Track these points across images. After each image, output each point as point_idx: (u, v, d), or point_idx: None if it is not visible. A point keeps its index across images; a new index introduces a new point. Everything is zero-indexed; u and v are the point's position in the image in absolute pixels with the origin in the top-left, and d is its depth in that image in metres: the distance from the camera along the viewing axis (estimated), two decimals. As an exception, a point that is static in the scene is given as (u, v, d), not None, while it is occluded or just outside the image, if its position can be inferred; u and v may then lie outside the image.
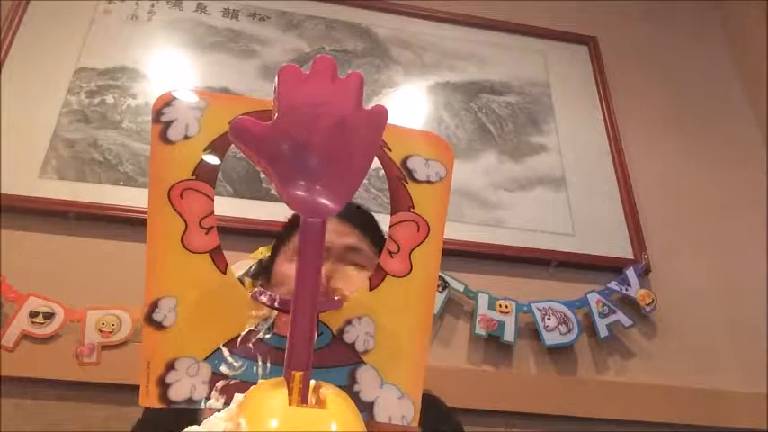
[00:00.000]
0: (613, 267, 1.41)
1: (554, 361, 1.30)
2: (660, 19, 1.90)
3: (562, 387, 1.27)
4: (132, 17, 1.50)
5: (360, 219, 0.73)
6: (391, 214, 0.46)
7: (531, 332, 1.30)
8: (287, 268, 0.69)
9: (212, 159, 0.42)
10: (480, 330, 1.25)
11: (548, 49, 1.75)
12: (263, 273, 0.81)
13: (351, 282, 0.66)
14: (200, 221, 0.41)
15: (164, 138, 0.41)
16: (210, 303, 0.41)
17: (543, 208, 1.47)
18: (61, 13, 1.45)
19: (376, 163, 0.40)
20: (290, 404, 0.30)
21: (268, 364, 0.40)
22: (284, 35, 1.58)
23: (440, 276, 1.25)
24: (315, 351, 0.35)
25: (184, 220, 0.40)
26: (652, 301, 1.35)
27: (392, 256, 0.44)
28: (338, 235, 0.69)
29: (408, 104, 1.57)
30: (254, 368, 0.40)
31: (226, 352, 0.40)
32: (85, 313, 1.11)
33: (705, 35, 1.91)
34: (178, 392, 0.39)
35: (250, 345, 0.41)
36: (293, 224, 0.71)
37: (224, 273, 0.41)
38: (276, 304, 0.40)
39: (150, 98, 1.37)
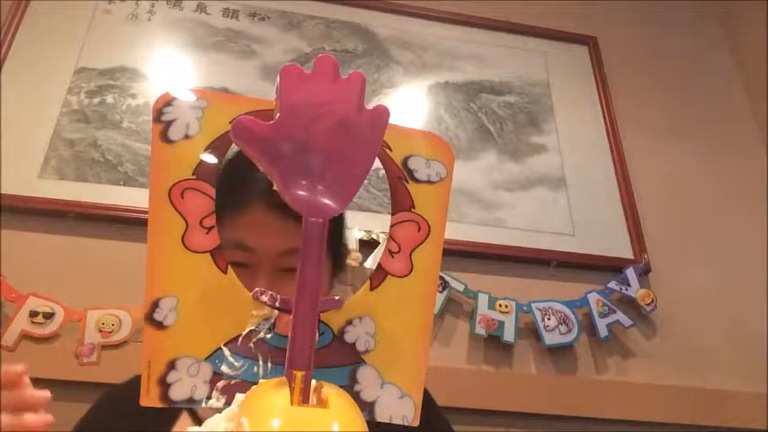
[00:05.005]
0: (613, 267, 1.41)
1: (554, 361, 1.30)
2: (660, 19, 1.90)
3: (562, 387, 1.26)
4: (132, 17, 1.50)
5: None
6: (392, 214, 0.46)
7: (531, 332, 1.30)
8: None
9: (213, 159, 0.42)
10: (480, 330, 1.25)
11: (548, 49, 1.75)
12: None
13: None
14: (201, 221, 0.41)
15: (164, 137, 0.41)
16: (211, 303, 0.41)
17: (543, 208, 1.47)
18: (61, 13, 1.45)
19: (376, 163, 0.40)
20: (292, 404, 0.30)
21: (269, 364, 0.40)
22: (284, 35, 1.58)
23: (440, 276, 1.25)
24: (316, 351, 0.35)
25: (185, 220, 0.40)
26: (652, 301, 1.35)
27: (393, 257, 0.44)
28: (276, 235, 0.59)
29: (408, 104, 1.57)
30: (255, 368, 0.40)
31: (227, 352, 0.40)
32: (85, 313, 1.11)
33: (705, 35, 1.90)
34: (179, 392, 0.39)
35: (251, 344, 0.41)
36: None
37: (225, 272, 0.41)
38: (277, 304, 0.40)
39: (150, 98, 1.37)
